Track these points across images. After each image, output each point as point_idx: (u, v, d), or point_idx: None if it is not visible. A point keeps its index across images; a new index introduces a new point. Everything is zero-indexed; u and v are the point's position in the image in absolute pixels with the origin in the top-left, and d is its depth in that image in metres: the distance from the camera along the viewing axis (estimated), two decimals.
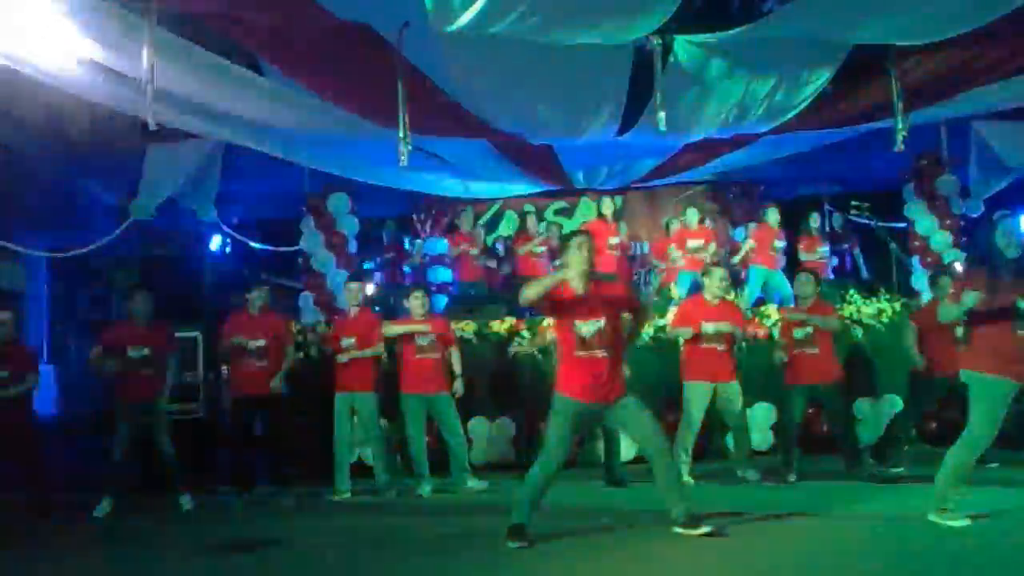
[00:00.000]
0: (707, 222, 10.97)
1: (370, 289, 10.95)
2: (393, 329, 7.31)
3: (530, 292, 4.94)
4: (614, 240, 10.48)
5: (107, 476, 6.90)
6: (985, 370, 4.77)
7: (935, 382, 7.05)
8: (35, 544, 5.89)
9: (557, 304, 4.99)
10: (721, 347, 6.99)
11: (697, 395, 6.98)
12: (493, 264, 11.13)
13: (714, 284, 7.16)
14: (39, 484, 6.64)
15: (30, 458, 6.61)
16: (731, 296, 8.22)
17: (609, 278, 7.34)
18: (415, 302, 7.31)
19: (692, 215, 10.52)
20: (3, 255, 10.95)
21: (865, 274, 11.29)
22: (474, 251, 10.74)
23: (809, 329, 6.96)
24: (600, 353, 4.91)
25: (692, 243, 10.34)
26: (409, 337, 7.21)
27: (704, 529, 4.85)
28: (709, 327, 6.98)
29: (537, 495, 4.97)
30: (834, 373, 7.00)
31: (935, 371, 7.01)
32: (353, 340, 7.29)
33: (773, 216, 10.34)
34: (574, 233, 5.46)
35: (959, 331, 6.64)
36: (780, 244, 10.29)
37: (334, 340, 7.43)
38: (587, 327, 4.92)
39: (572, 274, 4.99)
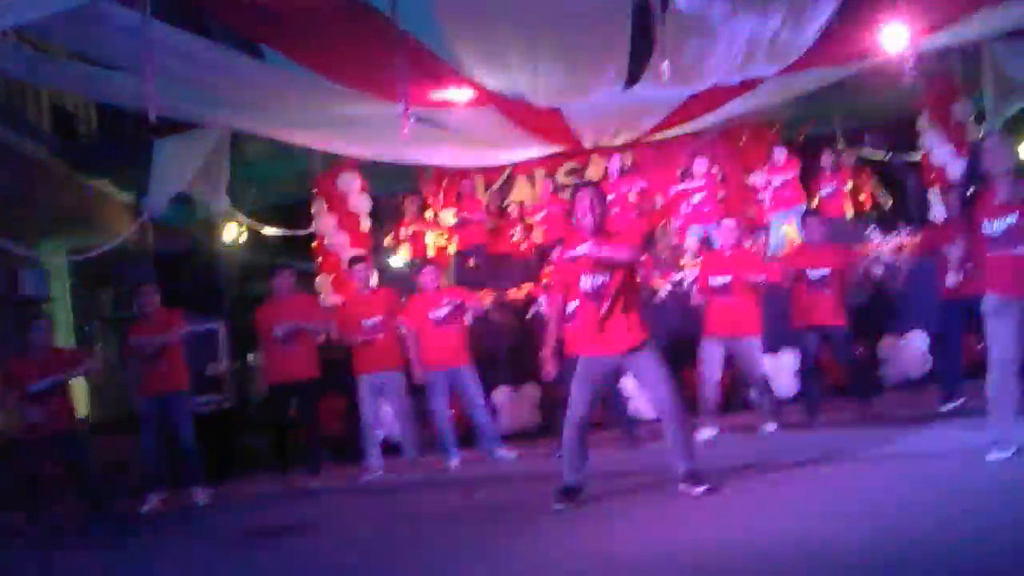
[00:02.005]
0: (715, 169, 10.80)
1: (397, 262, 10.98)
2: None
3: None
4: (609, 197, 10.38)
5: (149, 472, 6.98)
6: (980, 289, 4.79)
7: (953, 306, 6.74)
8: (88, 542, 6.02)
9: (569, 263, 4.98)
10: (728, 299, 6.90)
11: (709, 349, 6.95)
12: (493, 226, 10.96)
13: (724, 235, 7.13)
14: (87, 482, 6.70)
15: (78, 457, 6.66)
16: (747, 245, 8.13)
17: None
18: (427, 277, 7.30)
19: (699, 165, 10.36)
20: (25, 262, 11.07)
21: (884, 200, 11.07)
22: (477, 216, 10.61)
23: (825, 272, 6.87)
24: (606, 305, 4.87)
25: (699, 194, 10.24)
26: (423, 314, 7.19)
27: (702, 487, 4.76)
28: (715, 281, 6.94)
29: (576, 453, 4.93)
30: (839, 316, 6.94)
31: (951, 296, 6.64)
32: (377, 319, 7.25)
33: (778, 155, 10.16)
34: (582, 185, 5.40)
35: None
36: (776, 181, 10.07)
37: (352, 323, 7.33)
38: (592, 280, 4.88)
39: (580, 227, 4.95)
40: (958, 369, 6.88)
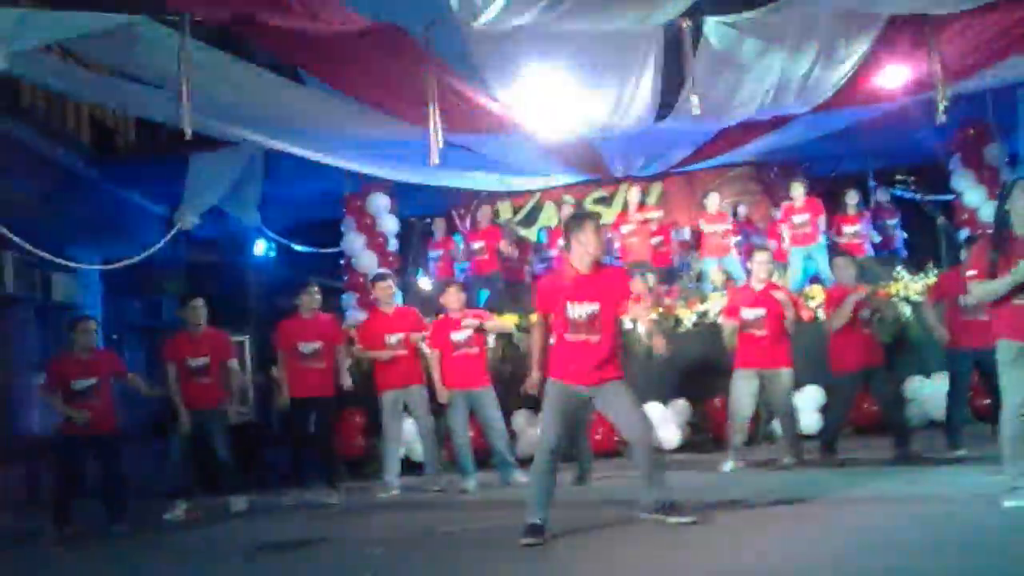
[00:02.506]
0: (740, 208, 10.82)
1: (425, 284, 11.02)
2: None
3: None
4: (626, 228, 10.40)
5: (173, 482, 7.08)
6: (1001, 336, 4.73)
7: (960, 355, 6.78)
8: (107, 547, 6.07)
9: (555, 289, 5.02)
10: (762, 332, 6.88)
11: (740, 382, 6.92)
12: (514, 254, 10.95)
13: (756, 268, 7.12)
14: (121, 489, 6.77)
15: (113, 463, 6.72)
16: (775, 279, 8.10)
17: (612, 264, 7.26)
18: (450, 298, 7.35)
19: (712, 199, 10.40)
20: (58, 269, 11.26)
21: (902, 251, 11.03)
22: (498, 245, 10.61)
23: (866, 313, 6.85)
24: (591, 337, 4.87)
25: (708, 227, 10.31)
26: (446, 335, 7.24)
27: (678, 519, 4.78)
28: (748, 313, 6.92)
29: (544, 488, 4.89)
30: (882, 355, 6.92)
31: (961, 344, 6.72)
32: (401, 336, 7.33)
33: (796, 191, 10.15)
34: (582, 216, 5.44)
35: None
36: (799, 219, 10.06)
37: (376, 338, 7.42)
38: (578, 310, 4.89)
39: (576, 257, 4.97)
40: (962, 416, 6.89)
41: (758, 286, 7.07)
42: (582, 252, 4.95)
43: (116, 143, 12.56)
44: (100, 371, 6.72)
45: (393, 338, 7.33)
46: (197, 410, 7.04)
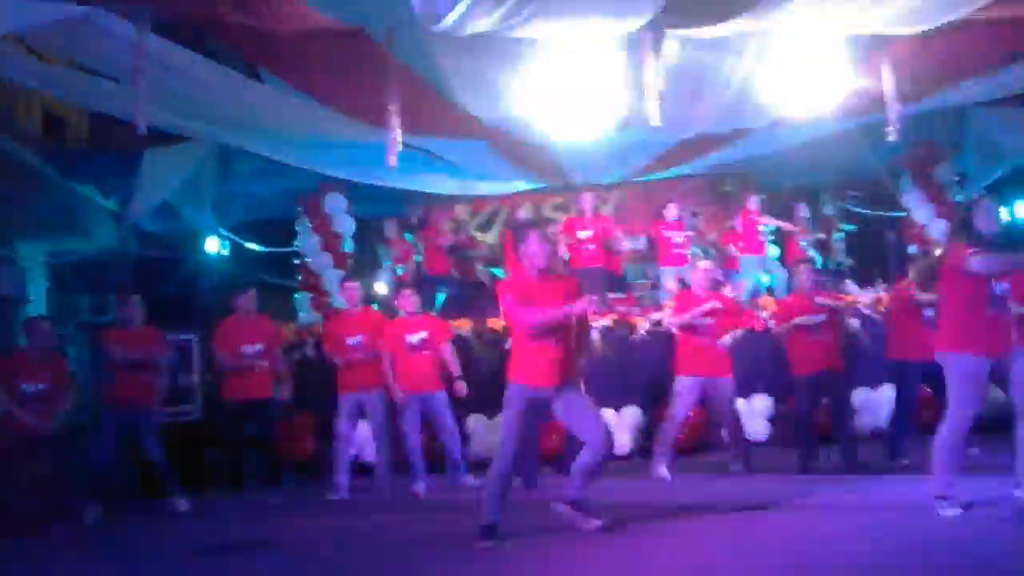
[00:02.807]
0: (694, 220, 10.95)
1: (381, 288, 10.94)
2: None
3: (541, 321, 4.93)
4: (583, 234, 10.44)
5: (94, 482, 6.89)
6: (956, 349, 4.81)
7: (909, 367, 6.92)
8: (38, 549, 5.93)
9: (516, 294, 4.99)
10: (705, 340, 7.00)
11: (685, 389, 7.00)
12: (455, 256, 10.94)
13: (698, 278, 7.23)
14: (57, 489, 6.61)
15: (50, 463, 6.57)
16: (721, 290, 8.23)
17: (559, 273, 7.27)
18: (405, 300, 7.33)
19: (670, 209, 10.51)
20: (3, 261, 11.00)
21: (843, 261, 11.25)
22: (446, 245, 10.60)
23: (822, 317, 6.97)
24: (552, 342, 4.90)
25: (670, 235, 10.41)
26: (400, 337, 7.21)
27: (592, 522, 4.96)
28: (699, 322, 7.00)
29: (501, 489, 4.93)
30: (840, 360, 7.07)
31: (910, 356, 6.85)
32: (360, 339, 7.29)
33: (753, 203, 10.34)
34: (530, 226, 5.47)
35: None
36: (760, 228, 10.25)
37: (338, 341, 7.39)
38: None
39: (529, 266, 5.02)
40: (907, 428, 7.04)
41: (702, 294, 7.17)
42: (528, 264, 5.01)
43: (67, 135, 12.33)
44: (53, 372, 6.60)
45: (352, 340, 7.30)
46: (128, 409, 6.91)
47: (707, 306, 7.03)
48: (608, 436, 5.04)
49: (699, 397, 7.08)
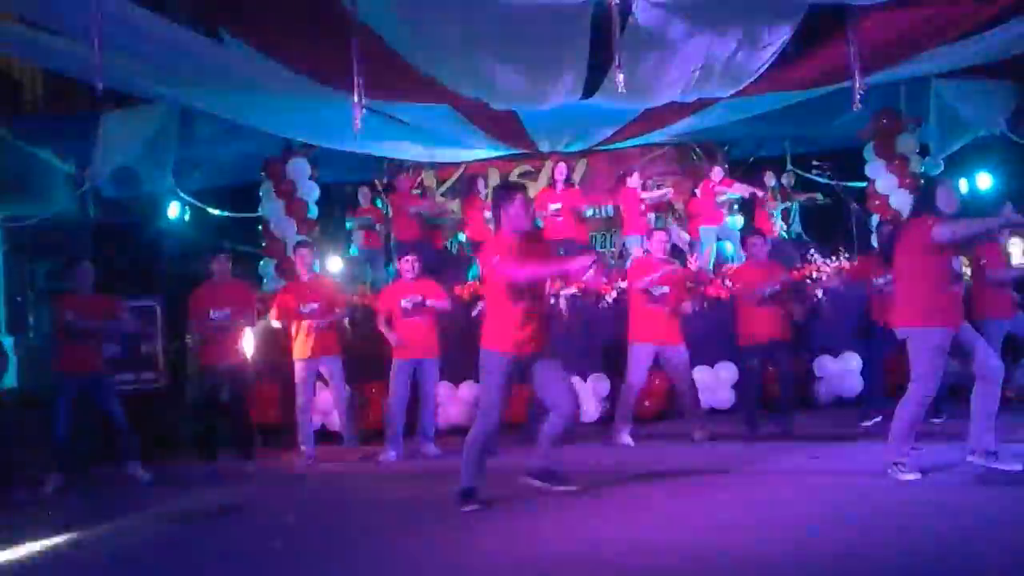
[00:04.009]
0: (664, 187, 10.96)
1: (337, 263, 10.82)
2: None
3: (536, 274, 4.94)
4: (554, 206, 10.42)
5: (54, 450, 6.80)
6: (920, 323, 4.92)
7: (878, 331, 7.09)
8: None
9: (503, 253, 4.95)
10: (660, 308, 7.07)
11: (638, 355, 7.05)
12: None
13: (656, 246, 7.28)
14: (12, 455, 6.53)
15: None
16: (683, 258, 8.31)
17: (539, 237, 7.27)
18: (405, 265, 7.30)
19: (634, 178, 10.52)
20: None
21: (797, 229, 11.36)
22: (412, 209, 10.53)
23: (776, 287, 7.06)
24: (534, 304, 4.92)
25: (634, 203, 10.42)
26: (395, 301, 7.19)
27: (566, 488, 5.07)
28: (656, 289, 7.05)
29: (481, 456, 4.97)
30: (788, 331, 7.16)
31: (877, 320, 7.08)
32: (315, 306, 7.26)
33: (716, 174, 10.41)
34: (508, 187, 5.45)
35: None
36: (720, 199, 10.34)
37: (291, 307, 7.33)
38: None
39: (507, 228, 5.00)
40: (880, 390, 7.18)
41: (658, 261, 7.24)
42: (511, 225, 4.98)
43: (23, 97, 12.02)
44: None
45: (307, 307, 7.27)
46: (81, 375, 6.82)
47: (657, 274, 7.06)
48: (577, 404, 5.09)
49: (653, 363, 7.12)
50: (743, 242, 7.59)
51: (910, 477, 4.87)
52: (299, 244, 7.93)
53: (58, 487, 6.68)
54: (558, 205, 10.07)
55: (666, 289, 7.08)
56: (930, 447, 5.45)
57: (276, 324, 7.34)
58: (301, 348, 7.27)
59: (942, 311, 4.90)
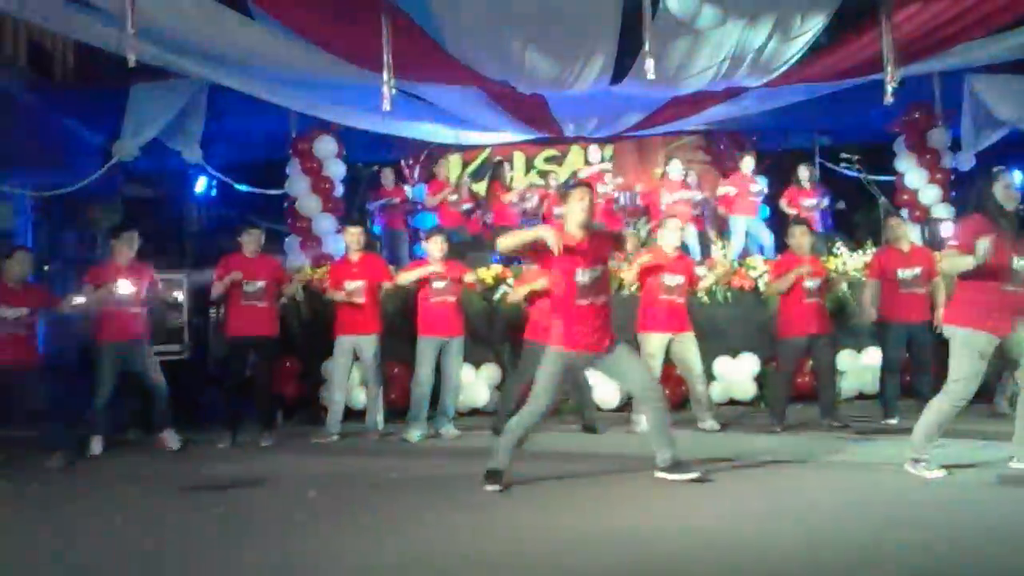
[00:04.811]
0: (690, 176, 10.89)
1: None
2: (408, 276, 7.29)
3: (506, 243, 5.02)
4: (602, 189, 10.46)
5: (94, 417, 6.95)
6: (967, 324, 4.82)
7: (893, 328, 7.06)
8: (23, 481, 5.95)
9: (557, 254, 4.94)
10: (679, 300, 7.07)
11: (653, 346, 7.04)
12: (470, 209, 10.93)
13: (668, 236, 7.23)
14: (46, 422, 6.63)
15: (36, 396, 6.57)
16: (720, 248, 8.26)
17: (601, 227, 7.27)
18: (433, 246, 7.32)
19: (674, 166, 10.47)
20: None
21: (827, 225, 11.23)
22: (453, 197, 10.58)
23: (818, 281, 6.99)
24: (599, 300, 5.01)
25: (669, 196, 10.34)
26: (425, 280, 7.22)
27: (691, 475, 4.99)
28: (670, 279, 7.05)
29: (519, 443, 5.06)
30: (828, 325, 7.08)
31: (894, 318, 7.01)
32: (361, 284, 7.29)
33: (747, 164, 10.33)
34: (575, 185, 5.50)
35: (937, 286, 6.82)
36: (755, 188, 10.27)
37: (336, 284, 7.39)
38: (587, 275, 4.98)
39: (572, 224, 5.04)
40: (895, 390, 7.15)
41: (672, 253, 7.21)
42: (572, 223, 5.05)
43: (54, 68, 12.11)
44: (30, 303, 6.59)
45: (351, 285, 7.30)
46: (121, 342, 6.95)
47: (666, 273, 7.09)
48: (657, 387, 5.26)
49: (663, 353, 7.09)
50: (788, 231, 7.46)
51: (935, 474, 4.83)
52: (349, 223, 8.01)
53: (95, 454, 6.82)
54: (605, 188, 10.15)
55: (682, 279, 7.08)
56: (959, 444, 5.40)
57: (339, 296, 7.32)
58: (342, 324, 7.34)
59: (990, 314, 4.78)
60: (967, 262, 4.69)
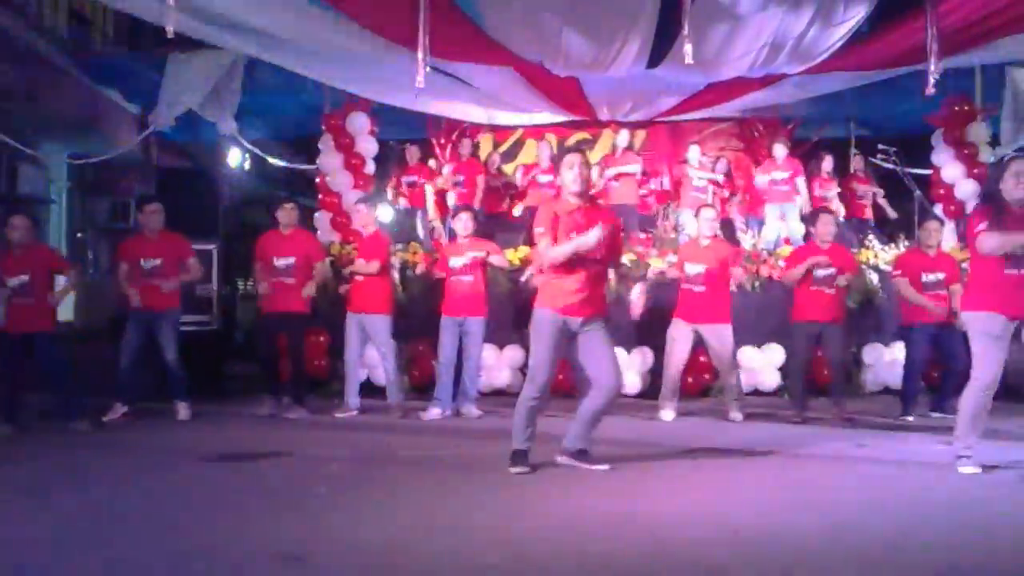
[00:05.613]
0: (720, 164, 10.81)
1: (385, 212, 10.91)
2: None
3: (555, 258, 4.87)
4: (611, 171, 10.39)
5: (119, 383, 7.04)
6: (982, 308, 4.81)
7: (917, 330, 7.03)
8: (43, 446, 6.05)
9: (554, 219, 4.93)
10: (700, 288, 7.03)
11: (676, 332, 7.04)
12: (499, 188, 10.90)
13: (701, 225, 7.25)
14: (63, 388, 6.72)
15: (47, 360, 6.66)
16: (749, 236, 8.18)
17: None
18: (459, 224, 7.35)
19: (693, 151, 10.40)
20: (25, 160, 11.00)
21: (871, 221, 11.08)
22: (479, 177, 10.59)
23: (832, 270, 6.94)
24: (588, 265, 4.89)
25: (697, 180, 10.41)
26: (447, 260, 7.26)
27: (598, 467, 4.94)
28: (690, 268, 7.04)
29: (530, 420, 4.98)
30: (838, 315, 7.02)
31: (918, 319, 6.98)
32: (375, 262, 7.31)
33: (779, 151, 10.24)
34: (568, 151, 5.43)
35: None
36: (780, 175, 10.19)
37: (348, 259, 7.45)
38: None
39: (567, 192, 5.02)
40: (915, 390, 7.14)
41: (705, 242, 7.17)
42: (566, 190, 5.02)
43: (93, 36, 12.22)
44: (34, 267, 6.59)
45: (359, 262, 7.35)
46: (147, 310, 7.01)
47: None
48: (620, 379, 5.07)
49: (694, 342, 7.11)
50: (815, 219, 7.41)
51: (971, 471, 4.79)
52: (359, 200, 8.00)
53: (116, 419, 6.90)
54: (615, 170, 10.08)
55: (702, 268, 7.05)
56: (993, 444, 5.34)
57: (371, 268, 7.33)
58: (351, 301, 7.37)
59: (998, 296, 4.76)
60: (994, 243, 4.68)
